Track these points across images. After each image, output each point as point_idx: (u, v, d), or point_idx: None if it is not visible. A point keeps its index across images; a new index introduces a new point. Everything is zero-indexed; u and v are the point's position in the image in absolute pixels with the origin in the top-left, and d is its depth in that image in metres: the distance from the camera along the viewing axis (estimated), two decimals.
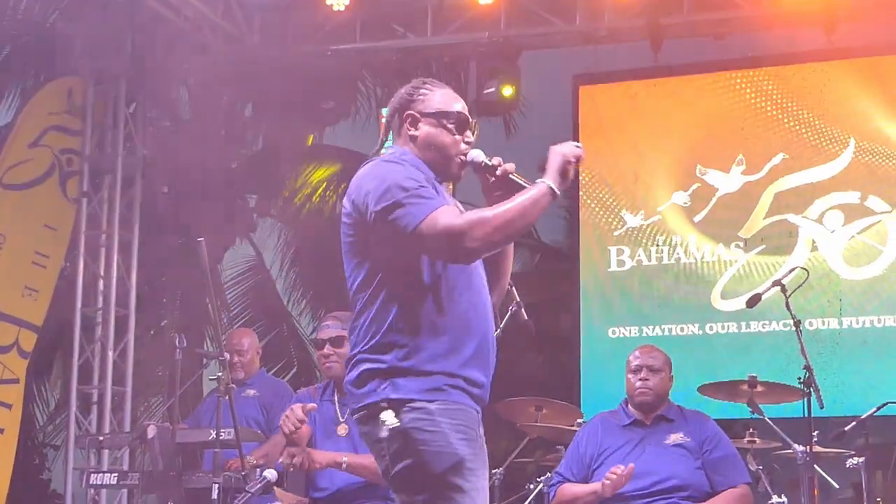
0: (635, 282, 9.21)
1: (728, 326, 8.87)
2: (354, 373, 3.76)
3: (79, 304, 9.17)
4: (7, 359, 8.54)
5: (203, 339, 10.04)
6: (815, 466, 6.20)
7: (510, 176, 3.89)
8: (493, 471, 6.95)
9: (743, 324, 8.76)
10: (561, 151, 3.80)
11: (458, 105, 4.02)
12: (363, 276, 3.85)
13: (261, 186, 12.10)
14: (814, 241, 8.86)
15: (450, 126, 3.96)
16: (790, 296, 6.42)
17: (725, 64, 9.48)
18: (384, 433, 3.62)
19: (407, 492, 3.65)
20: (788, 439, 6.20)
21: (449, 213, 3.65)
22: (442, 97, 4.02)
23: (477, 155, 3.95)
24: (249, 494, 5.73)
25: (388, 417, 3.60)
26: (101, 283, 9.28)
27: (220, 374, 6.05)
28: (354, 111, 10.51)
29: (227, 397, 5.92)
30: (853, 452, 6.55)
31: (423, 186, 3.70)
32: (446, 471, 3.58)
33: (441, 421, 3.62)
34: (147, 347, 9.54)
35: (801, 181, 8.98)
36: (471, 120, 4.06)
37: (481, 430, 3.77)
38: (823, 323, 8.57)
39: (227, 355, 6.64)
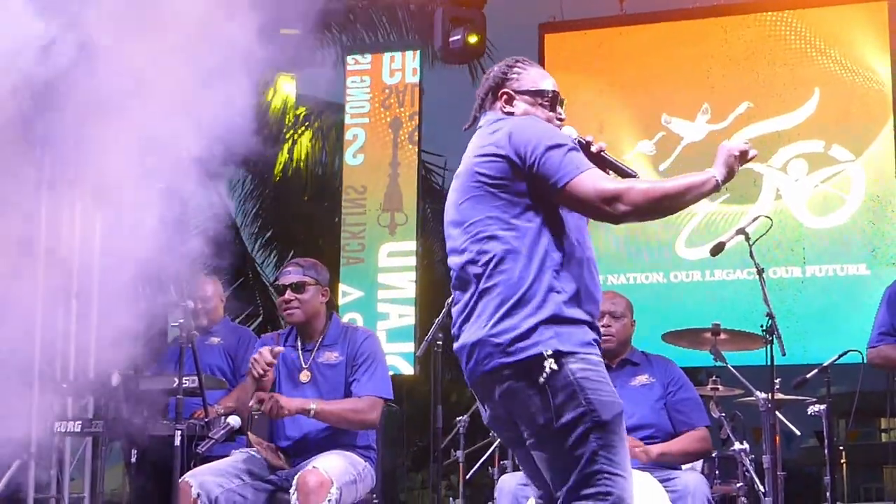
0: (600, 231, 9.19)
1: (692, 275, 8.90)
2: (509, 323, 3.71)
3: (41, 249, 9.08)
4: None
5: (167, 286, 9.98)
6: (777, 413, 6.24)
7: (603, 154, 3.98)
8: (458, 418, 6.98)
9: (707, 272, 8.78)
10: (728, 147, 3.82)
11: (551, 83, 4.11)
12: (505, 225, 3.82)
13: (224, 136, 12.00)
14: (778, 190, 8.89)
15: (545, 103, 4.05)
16: (754, 244, 6.43)
17: (690, 13, 9.47)
18: (552, 383, 3.62)
19: (575, 442, 3.64)
20: (751, 386, 6.23)
21: (602, 175, 3.77)
22: (536, 75, 4.11)
23: (571, 132, 4.00)
24: (213, 441, 5.71)
25: (557, 367, 3.62)
26: (63, 230, 9.19)
27: (183, 320, 6.02)
28: (322, 57, 10.41)
29: (190, 345, 5.88)
30: (815, 400, 6.59)
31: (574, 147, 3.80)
32: (613, 419, 3.65)
33: (602, 371, 3.70)
34: (111, 293, 9.46)
35: (766, 130, 9.00)
36: (561, 97, 4.14)
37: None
38: (787, 271, 8.61)
39: (190, 303, 6.61)
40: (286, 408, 5.66)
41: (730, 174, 3.79)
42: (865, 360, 6.15)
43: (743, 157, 3.80)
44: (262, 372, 5.60)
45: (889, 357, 5.50)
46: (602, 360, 3.75)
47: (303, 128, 13.20)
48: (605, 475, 3.62)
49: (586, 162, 3.79)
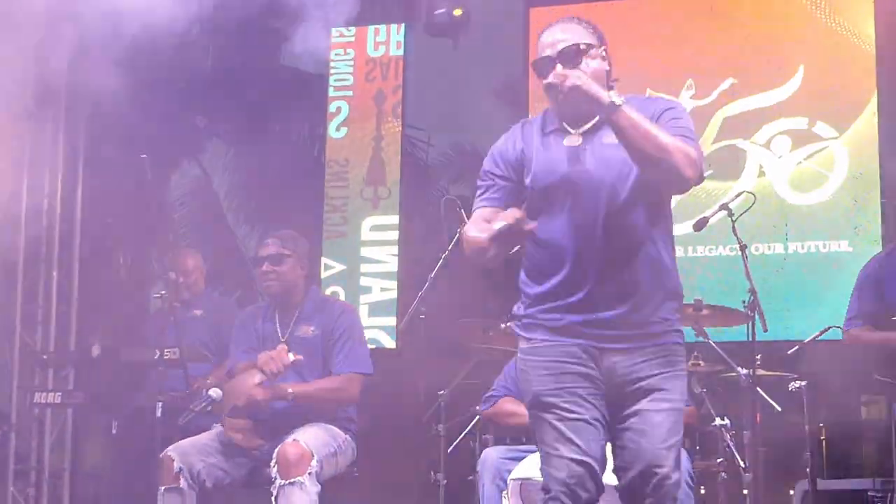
0: None
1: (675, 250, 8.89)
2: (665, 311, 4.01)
3: (23, 223, 9.05)
4: None
5: (149, 259, 9.96)
6: (758, 389, 6.26)
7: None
8: (440, 392, 6.98)
9: (689, 247, 8.77)
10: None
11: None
12: (651, 205, 3.98)
13: (210, 107, 11.97)
14: (761, 167, 8.88)
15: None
16: (736, 220, 6.44)
17: None
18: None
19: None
20: (732, 362, 6.25)
21: None
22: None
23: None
24: (193, 413, 5.71)
25: None
26: (45, 203, 9.16)
27: (164, 293, 6.01)
28: (305, 30, 10.35)
29: (172, 318, 5.87)
30: (796, 376, 6.60)
31: None
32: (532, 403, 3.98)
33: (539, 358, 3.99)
34: (92, 266, 9.42)
35: (750, 106, 8.98)
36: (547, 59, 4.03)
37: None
38: (769, 248, 8.61)
39: (172, 275, 6.59)
40: (264, 401, 5.67)
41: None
42: None
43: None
44: (275, 371, 5.62)
45: (859, 339, 5.53)
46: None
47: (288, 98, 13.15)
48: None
49: None
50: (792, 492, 7.89)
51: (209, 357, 6.84)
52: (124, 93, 9.30)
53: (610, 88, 3.90)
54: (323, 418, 5.81)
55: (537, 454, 5.33)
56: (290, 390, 5.69)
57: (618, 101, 3.71)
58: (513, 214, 3.73)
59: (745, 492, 6.29)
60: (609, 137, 3.85)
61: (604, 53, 4.07)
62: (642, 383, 3.85)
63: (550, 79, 3.84)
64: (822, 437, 7.33)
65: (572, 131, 3.99)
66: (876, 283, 5.53)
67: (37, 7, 7.26)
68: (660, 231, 4.00)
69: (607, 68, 4.08)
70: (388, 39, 9.75)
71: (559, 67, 3.89)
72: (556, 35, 4.05)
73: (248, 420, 5.78)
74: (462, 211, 6.77)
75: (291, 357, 5.64)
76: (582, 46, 3.99)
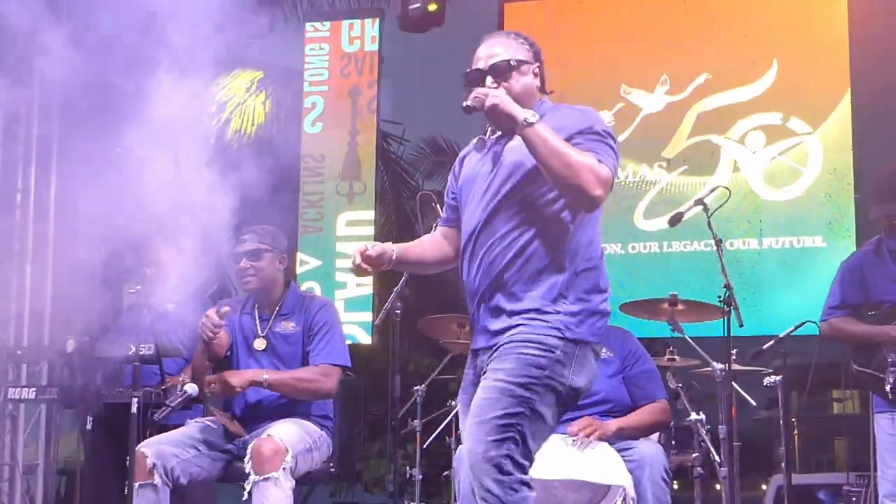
0: None
1: (650, 246, 8.92)
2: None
3: None
4: None
5: (122, 254, 9.91)
6: (734, 384, 6.27)
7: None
8: (415, 388, 6.97)
9: (665, 243, 8.80)
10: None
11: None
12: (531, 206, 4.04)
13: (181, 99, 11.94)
14: (735, 162, 8.91)
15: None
16: (712, 215, 6.44)
17: None
18: None
19: None
20: (707, 357, 6.25)
21: None
22: None
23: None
24: (169, 409, 5.68)
25: None
26: (18, 197, 9.12)
27: (138, 287, 5.98)
28: (280, 24, 10.35)
29: (146, 311, 5.84)
30: (771, 371, 6.62)
31: None
32: None
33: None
34: (66, 261, 9.38)
35: (724, 102, 9.02)
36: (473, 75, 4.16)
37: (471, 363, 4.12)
38: (744, 243, 8.64)
39: (146, 270, 6.55)
40: (236, 385, 5.64)
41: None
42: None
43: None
44: (210, 335, 5.58)
45: (839, 329, 5.53)
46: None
47: (261, 92, 13.14)
48: None
49: None
50: (766, 486, 7.93)
51: (184, 352, 6.82)
52: (96, 85, 9.29)
53: (543, 96, 4.19)
54: (299, 413, 5.79)
55: None
56: (264, 376, 5.67)
57: (531, 119, 3.86)
58: (357, 252, 4.07)
59: (719, 487, 6.31)
60: (513, 142, 4.00)
61: (536, 70, 4.25)
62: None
63: (468, 101, 3.96)
64: (795, 432, 7.36)
65: (486, 140, 4.15)
66: (859, 277, 5.53)
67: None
68: (538, 232, 4.01)
69: (538, 84, 4.24)
70: (362, 34, 9.74)
71: (489, 80, 4.07)
72: (491, 49, 4.20)
73: (228, 412, 5.79)
74: (437, 206, 6.76)
75: (224, 310, 5.62)
76: (513, 63, 4.16)
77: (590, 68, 9.34)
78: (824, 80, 8.88)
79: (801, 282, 8.58)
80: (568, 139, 3.92)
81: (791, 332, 6.74)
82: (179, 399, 5.68)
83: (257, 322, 5.99)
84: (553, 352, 3.87)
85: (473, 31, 10.04)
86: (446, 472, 6.47)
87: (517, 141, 3.94)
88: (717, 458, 6.25)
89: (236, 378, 5.66)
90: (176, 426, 5.96)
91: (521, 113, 3.89)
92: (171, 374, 6.11)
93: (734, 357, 6.26)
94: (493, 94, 3.94)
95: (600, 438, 5.43)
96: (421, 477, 6.78)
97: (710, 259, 6.53)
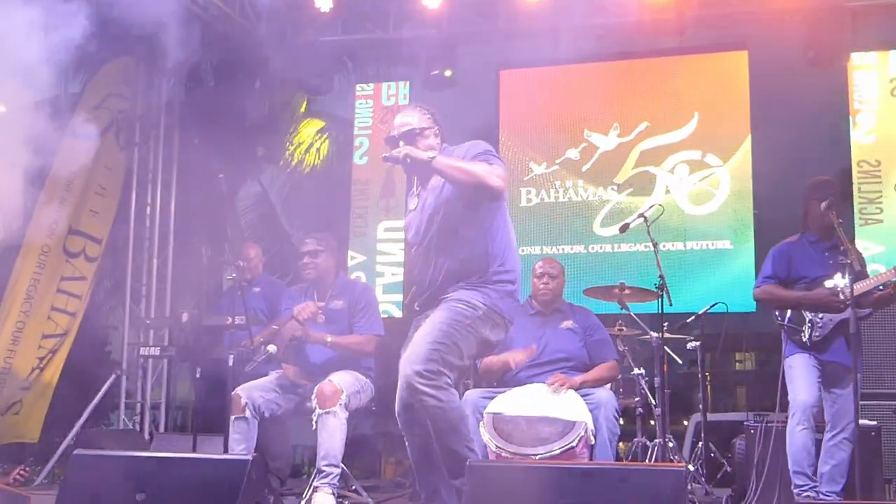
0: (539, 214, 9.17)
1: (605, 247, 8.86)
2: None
3: (132, 224, 9.03)
4: (77, 262, 8.37)
5: (223, 251, 9.90)
6: (665, 348, 6.24)
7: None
8: None
9: (616, 245, 8.75)
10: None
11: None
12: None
13: (267, 140, 11.94)
14: (667, 187, 8.85)
15: None
16: (650, 225, 6.41)
17: (607, 56, 9.39)
18: None
19: None
20: (646, 328, 6.22)
21: None
22: None
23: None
24: (256, 363, 5.68)
25: None
26: (148, 209, 9.14)
27: (234, 275, 5.97)
28: (337, 85, 10.30)
29: (239, 293, 5.82)
30: (692, 338, 6.59)
31: None
32: None
33: None
34: (182, 256, 9.38)
35: (660, 143, 8.95)
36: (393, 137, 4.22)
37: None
38: (673, 245, 8.58)
39: (240, 262, 6.55)
40: (312, 336, 5.65)
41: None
42: (754, 302, 6.03)
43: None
44: (306, 317, 5.60)
45: (772, 292, 5.46)
46: None
47: (324, 136, 13.14)
48: None
49: None
50: (687, 422, 7.87)
51: (264, 321, 6.81)
52: (206, 127, 9.28)
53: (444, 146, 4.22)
54: (349, 366, 5.77)
55: (506, 394, 5.32)
56: (328, 338, 5.68)
57: (432, 155, 3.99)
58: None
59: (654, 422, 6.28)
60: (435, 180, 4.13)
61: (436, 132, 4.26)
62: None
63: (386, 156, 4.07)
64: (708, 383, 7.31)
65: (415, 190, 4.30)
66: (786, 258, 5.48)
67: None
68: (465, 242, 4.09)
69: (438, 143, 4.25)
70: (397, 92, 9.69)
71: (401, 143, 4.13)
72: (402, 119, 4.27)
73: (295, 366, 5.78)
74: None
75: (315, 306, 5.64)
76: (417, 130, 4.20)
77: (562, 117, 9.28)
78: (732, 127, 8.82)
79: (714, 274, 8.54)
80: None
81: (707, 310, 6.71)
82: (263, 356, 5.68)
83: (315, 301, 5.98)
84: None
85: (478, 90, 10.05)
86: None
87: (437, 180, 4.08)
88: (652, 401, 6.23)
89: (313, 332, 5.67)
90: (261, 375, 5.95)
91: (424, 155, 4.00)
92: (253, 336, 6.09)
93: (665, 328, 6.23)
94: (405, 149, 4.03)
95: (568, 388, 5.41)
96: None
97: (649, 257, 6.49)
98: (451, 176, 3.99)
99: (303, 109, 12.93)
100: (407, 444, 4.09)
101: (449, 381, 3.88)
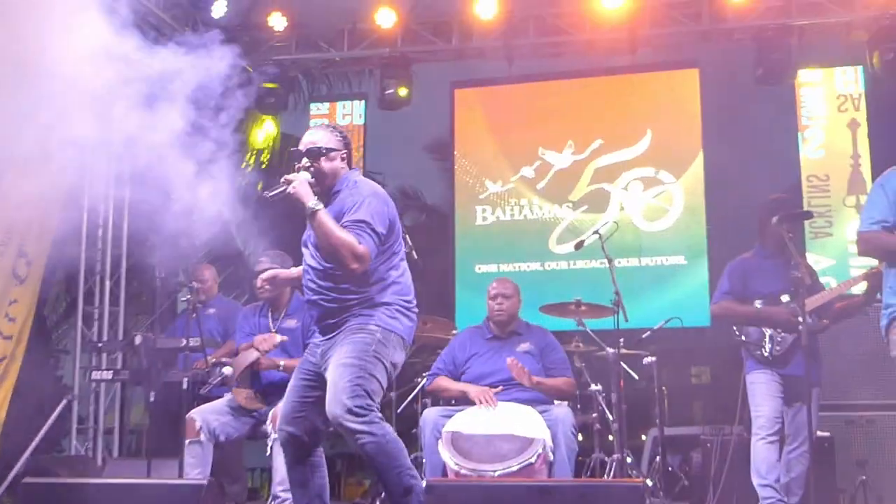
0: (495, 232, 9.19)
1: (561, 264, 8.90)
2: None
3: (84, 245, 8.90)
4: (21, 286, 8.23)
5: (177, 272, 9.80)
6: (622, 363, 6.25)
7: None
8: None
9: (571, 262, 8.79)
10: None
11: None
12: None
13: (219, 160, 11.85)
14: (621, 203, 8.92)
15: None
16: (605, 241, 6.44)
17: (560, 75, 9.47)
18: None
19: None
20: (603, 344, 6.23)
21: None
22: None
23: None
24: (211, 385, 5.61)
25: None
26: (100, 231, 9.02)
27: (188, 297, 5.91)
28: (292, 104, 10.25)
29: (194, 315, 5.76)
30: (648, 353, 6.60)
31: None
32: None
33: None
34: (136, 278, 9.26)
35: (613, 160, 9.03)
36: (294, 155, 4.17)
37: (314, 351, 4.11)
38: (628, 261, 8.63)
39: (194, 284, 6.48)
40: (265, 364, 5.60)
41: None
42: (709, 317, 6.07)
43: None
44: (267, 349, 5.56)
45: (729, 308, 5.51)
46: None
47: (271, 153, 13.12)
48: None
49: None
50: (645, 437, 7.89)
51: (219, 343, 6.77)
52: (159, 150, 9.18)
53: (350, 172, 4.19)
54: None
55: (465, 412, 5.30)
56: (281, 363, 5.62)
57: (316, 207, 3.90)
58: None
59: (611, 438, 6.29)
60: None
61: (344, 155, 4.19)
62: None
63: (269, 194, 4.02)
64: (665, 397, 7.33)
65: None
66: (742, 274, 5.53)
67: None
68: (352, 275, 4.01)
69: (342, 167, 4.18)
70: (352, 112, 9.70)
71: (304, 160, 4.08)
72: (310, 137, 4.20)
73: (250, 389, 5.70)
74: (406, 237, 6.71)
75: (278, 339, 5.58)
76: (323, 150, 4.12)
77: (516, 135, 9.33)
78: (684, 144, 8.92)
79: (669, 289, 8.61)
80: (347, 213, 3.96)
81: (662, 325, 6.73)
82: (218, 378, 5.62)
83: (270, 320, 5.93)
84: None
85: (433, 109, 10.07)
86: (414, 430, 6.40)
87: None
88: (610, 416, 6.23)
89: (266, 360, 5.62)
90: (216, 398, 5.88)
91: (308, 201, 3.91)
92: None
93: (622, 344, 6.25)
94: (294, 183, 3.95)
95: (525, 383, 5.44)
96: (395, 433, 6.70)
97: (604, 273, 6.52)
98: (320, 238, 3.93)
99: (257, 129, 12.87)
100: (287, 471, 4.08)
101: (379, 414, 3.85)
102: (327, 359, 3.99)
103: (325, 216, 3.89)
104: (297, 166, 4.06)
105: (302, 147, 4.13)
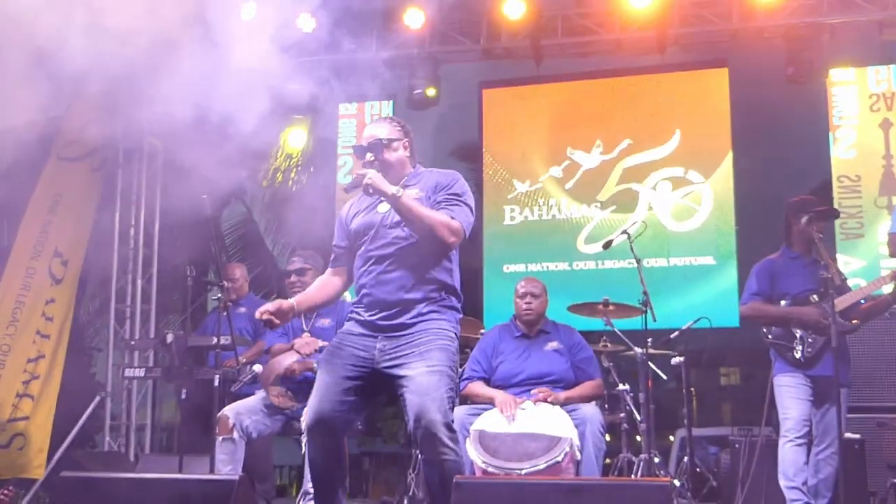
0: (523, 232, 9.21)
1: (589, 264, 8.90)
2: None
3: (116, 245, 9.03)
4: (59, 286, 8.36)
5: (207, 271, 9.91)
6: (650, 363, 6.27)
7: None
8: None
9: (599, 262, 8.79)
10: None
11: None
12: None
13: (249, 161, 11.94)
14: (650, 203, 8.90)
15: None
16: (633, 241, 6.45)
17: (588, 74, 9.47)
18: None
19: None
20: (631, 343, 6.26)
21: None
22: None
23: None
24: (241, 383, 5.68)
25: None
26: (132, 231, 9.14)
27: (220, 296, 5.97)
28: (321, 104, 10.32)
29: (225, 313, 5.83)
30: (676, 353, 6.61)
31: None
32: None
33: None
34: (166, 277, 9.37)
35: (642, 160, 9.01)
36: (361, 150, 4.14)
37: (365, 345, 3.98)
38: (656, 262, 8.63)
39: (224, 283, 6.55)
40: (300, 369, 5.67)
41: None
42: (738, 318, 6.08)
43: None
44: (308, 352, 5.63)
45: (758, 309, 5.51)
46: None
47: (307, 155, 13.17)
48: None
49: None
50: (673, 437, 7.89)
51: (249, 341, 6.82)
52: (189, 147, 9.28)
53: (413, 166, 4.18)
54: None
55: (492, 411, 5.34)
56: (315, 364, 5.66)
57: (398, 193, 3.88)
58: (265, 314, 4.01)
59: (640, 438, 6.30)
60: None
61: (406, 144, 4.18)
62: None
63: (347, 186, 4.05)
64: (694, 397, 7.34)
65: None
66: (769, 274, 5.54)
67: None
68: (433, 257, 4.01)
69: (408, 155, 4.18)
70: (380, 112, 9.72)
71: (368, 155, 4.07)
72: (371, 130, 4.17)
73: (283, 388, 5.76)
74: None
75: (319, 344, 5.64)
76: (384, 141, 4.11)
77: (545, 135, 9.34)
78: (713, 144, 8.89)
79: (697, 289, 8.59)
80: (434, 194, 3.98)
81: (691, 325, 6.74)
82: (249, 376, 5.68)
83: (303, 320, 5.98)
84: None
85: (461, 109, 10.11)
86: None
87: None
88: (638, 417, 6.25)
89: (299, 367, 5.67)
90: (247, 395, 5.95)
91: (389, 189, 3.90)
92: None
93: (650, 343, 6.27)
94: (368, 176, 3.93)
95: (552, 403, 5.44)
96: None
97: (632, 273, 6.53)
98: (410, 220, 3.90)
99: (288, 130, 12.96)
100: (310, 465, 4.03)
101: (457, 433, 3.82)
102: (396, 357, 3.88)
103: (409, 199, 3.90)
104: (363, 162, 4.06)
105: (364, 142, 4.13)
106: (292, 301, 4.11)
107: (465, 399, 6.10)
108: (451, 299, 4.03)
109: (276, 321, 3.98)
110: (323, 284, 4.35)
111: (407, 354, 3.86)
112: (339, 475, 3.99)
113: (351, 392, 3.91)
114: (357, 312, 4.08)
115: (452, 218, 3.93)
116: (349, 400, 3.91)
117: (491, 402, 5.56)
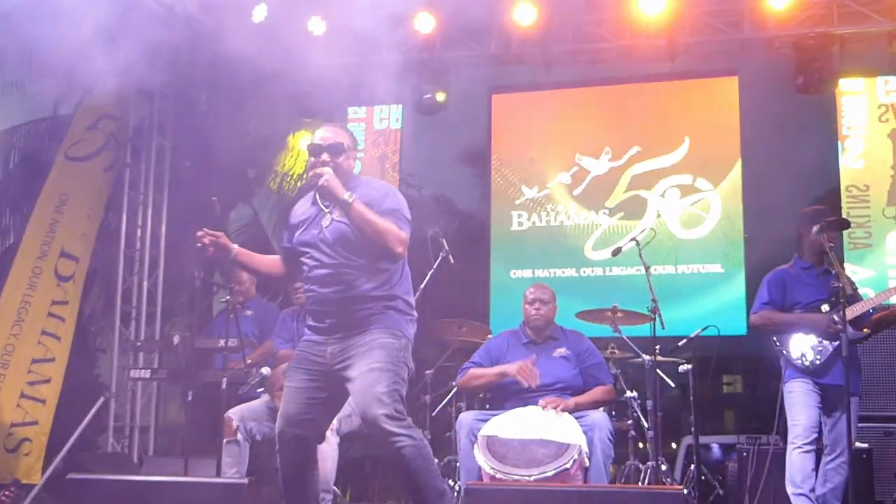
0: (531, 237, 9.20)
1: (597, 270, 8.89)
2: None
3: (122, 246, 9.02)
4: (66, 286, 8.36)
5: (214, 273, 9.90)
6: (657, 371, 6.25)
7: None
8: (426, 371, 6.93)
9: (608, 269, 8.77)
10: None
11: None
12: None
13: (257, 164, 11.96)
14: (658, 211, 8.89)
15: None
16: (642, 249, 6.44)
17: (598, 81, 9.45)
18: None
19: None
20: (639, 350, 6.23)
21: None
22: None
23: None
24: (249, 385, 5.67)
25: None
26: (139, 231, 9.13)
27: (227, 298, 5.97)
28: (331, 108, 10.32)
29: (232, 315, 5.82)
30: (684, 361, 6.59)
31: None
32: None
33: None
34: (173, 279, 9.36)
35: (651, 167, 8.99)
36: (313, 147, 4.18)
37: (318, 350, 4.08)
38: (664, 269, 8.61)
39: (232, 285, 6.55)
40: None
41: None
42: (747, 326, 6.06)
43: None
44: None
45: (770, 317, 5.51)
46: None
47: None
48: None
49: None
50: (676, 445, 7.87)
51: (256, 344, 6.82)
52: (197, 151, 9.30)
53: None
54: None
55: (500, 416, 5.32)
56: None
57: (350, 199, 3.97)
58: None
59: (644, 445, 6.28)
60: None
61: (353, 154, 4.28)
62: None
63: (311, 175, 4.10)
64: (701, 405, 7.31)
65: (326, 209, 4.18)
66: (781, 284, 5.54)
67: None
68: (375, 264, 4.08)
69: (352, 163, 4.27)
70: (389, 116, 9.72)
71: (325, 155, 4.12)
72: (329, 133, 4.22)
73: None
74: (443, 241, 6.76)
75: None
76: (346, 147, 4.20)
77: (554, 141, 9.33)
78: (722, 152, 8.88)
79: (705, 297, 8.57)
80: (375, 205, 4.03)
81: (698, 333, 6.71)
82: (256, 379, 5.68)
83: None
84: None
85: (470, 114, 10.10)
86: (448, 433, 6.44)
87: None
88: (645, 424, 6.22)
89: None
90: (253, 398, 5.94)
91: (342, 194, 3.98)
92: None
93: (657, 351, 6.25)
94: (325, 177, 4.01)
95: (562, 410, 5.42)
96: (430, 437, 6.73)
97: (639, 280, 6.52)
98: (361, 227, 3.98)
99: (297, 135, 12.97)
100: (281, 473, 4.05)
101: (410, 420, 3.88)
102: (344, 360, 4.00)
103: (361, 205, 3.98)
104: (316, 160, 4.10)
105: (322, 142, 4.16)
106: (235, 246, 4.33)
107: (471, 402, 6.09)
108: (394, 302, 4.10)
109: (211, 248, 4.17)
110: (270, 258, 4.55)
111: (352, 356, 3.98)
112: (310, 490, 4.03)
113: (314, 397, 4.04)
114: (309, 320, 4.19)
115: (399, 228, 4.03)
116: (313, 404, 4.04)
117: (499, 379, 5.54)
